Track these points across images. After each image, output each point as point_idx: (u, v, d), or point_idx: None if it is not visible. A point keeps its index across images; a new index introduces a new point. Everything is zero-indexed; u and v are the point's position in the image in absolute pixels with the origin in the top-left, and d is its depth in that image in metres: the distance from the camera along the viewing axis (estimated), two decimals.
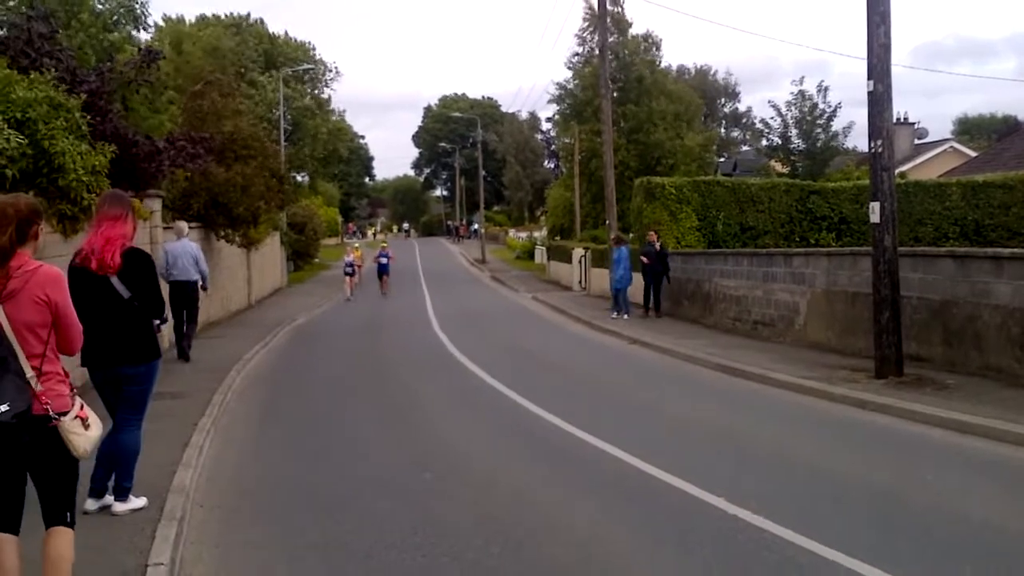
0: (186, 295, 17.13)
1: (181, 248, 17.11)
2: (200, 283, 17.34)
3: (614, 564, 6.39)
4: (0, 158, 9.78)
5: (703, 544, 6.72)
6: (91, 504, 7.29)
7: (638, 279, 25.30)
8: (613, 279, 25.55)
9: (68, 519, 4.92)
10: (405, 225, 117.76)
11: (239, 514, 7.94)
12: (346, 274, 37.14)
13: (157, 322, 7.57)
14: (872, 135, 13.42)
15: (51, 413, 4.74)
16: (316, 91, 65.22)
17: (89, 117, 12.42)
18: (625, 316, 24.39)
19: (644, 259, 24.35)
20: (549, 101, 58.53)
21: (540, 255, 57.50)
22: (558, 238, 53.50)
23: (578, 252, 38.04)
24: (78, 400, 4.96)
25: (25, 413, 4.59)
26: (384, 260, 38.75)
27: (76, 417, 4.87)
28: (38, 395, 4.70)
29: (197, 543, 7.04)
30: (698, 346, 18.16)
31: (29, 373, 4.69)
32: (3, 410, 4.51)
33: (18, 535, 4.89)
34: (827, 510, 7.53)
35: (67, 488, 5.00)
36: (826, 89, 41.77)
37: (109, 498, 7.35)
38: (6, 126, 9.96)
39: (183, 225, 18.25)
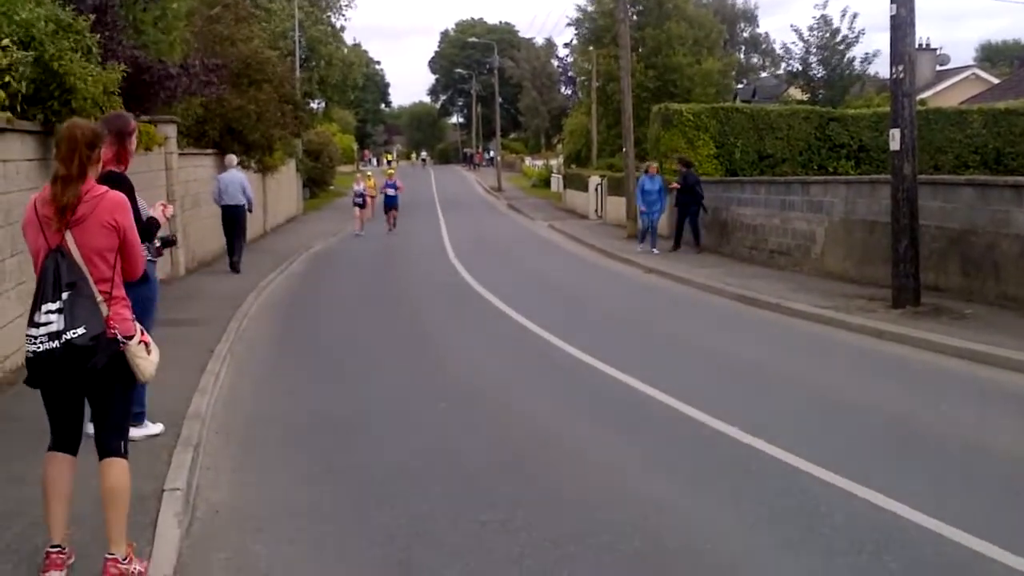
0: (234, 218, 20.10)
1: (230, 178, 20.07)
2: (247, 206, 20.23)
3: (627, 492, 6.41)
4: (6, 76, 9.65)
5: (718, 474, 6.74)
6: (137, 432, 7.32)
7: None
8: (642, 210, 23.31)
9: (123, 449, 4.95)
10: (423, 153, 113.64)
11: (255, 440, 8.00)
12: (355, 205, 33.40)
13: (158, 244, 7.47)
14: (893, 60, 13.20)
15: (119, 337, 4.77)
16: (330, 15, 64.38)
17: (99, 38, 12.22)
18: (654, 251, 22.48)
19: (675, 185, 22.80)
20: (568, 25, 57.73)
21: (556, 183, 57.20)
22: (574, 166, 53.16)
23: (594, 180, 37.80)
24: (138, 325, 4.99)
25: (100, 336, 4.64)
26: (391, 191, 33.68)
27: (140, 342, 4.90)
28: (107, 319, 4.72)
29: (213, 469, 7.09)
30: (714, 275, 18.10)
31: (99, 297, 4.72)
32: (80, 333, 4.57)
33: (75, 457, 4.97)
34: (842, 440, 7.53)
35: (124, 415, 5.06)
36: (854, 16, 41.25)
37: None
38: (12, 45, 9.82)
39: (232, 158, 21.11)
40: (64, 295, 4.60)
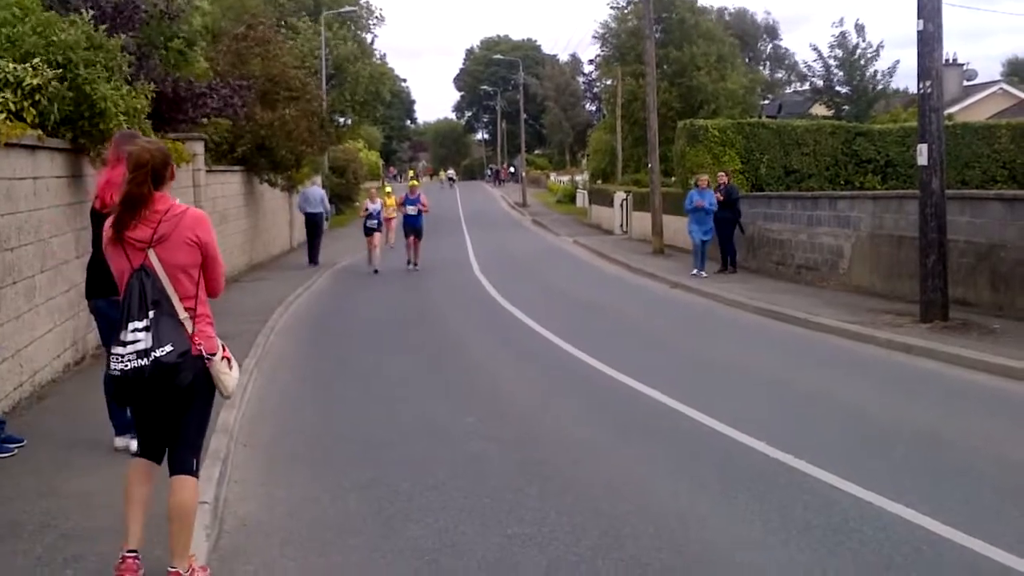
0: (314, 222, 26.44)
1: (312, 191, 27.07)
2: (324, 216, 27.07)
3: (655, 506, 6.40)
4: (42, 99, 9.76)
5: (746, 488, 6.69)
6: (120, 442, 7.31)
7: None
8: (693, 230, 21.05)
9: (195, 467, 5.01)
10: (450, 172, 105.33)
11: (282, 454, 8.03)
12: (368, 231, 24.96)
13: None
14: (921, 75, 13.15)
15: (204, 354, 4.84)
16: (359, 32, 64.48)
17: (131, 57, 12.34)
18: (703, 274, 20.65)
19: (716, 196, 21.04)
20: (593, 40, 57.80)
21: (581, 199, 57.16)
22: (599, 182, 53.16)
23: (620, 196, 37.80)
24: (220, 341, 5.06)
25: (187, 353, 4.72)
26: (412, 210, 24.84)
27: (223, 358, 4.98)
28: (191, 336, 4.80)
29: (241, 482, 7.12)
30: (740, 290, 18.03)
31: (183, 315, 4.79)
32: (167, 351, 4.63)
33: (159, 466, 5.05)
34: (871, 454, 7.49)
35: (200, 433, 5.11)
36: (862, 28, 41.57)
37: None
38: (47, 68, 9.93)
39: (317, 177, 28.39)
40: (150, 313, 4.67)
